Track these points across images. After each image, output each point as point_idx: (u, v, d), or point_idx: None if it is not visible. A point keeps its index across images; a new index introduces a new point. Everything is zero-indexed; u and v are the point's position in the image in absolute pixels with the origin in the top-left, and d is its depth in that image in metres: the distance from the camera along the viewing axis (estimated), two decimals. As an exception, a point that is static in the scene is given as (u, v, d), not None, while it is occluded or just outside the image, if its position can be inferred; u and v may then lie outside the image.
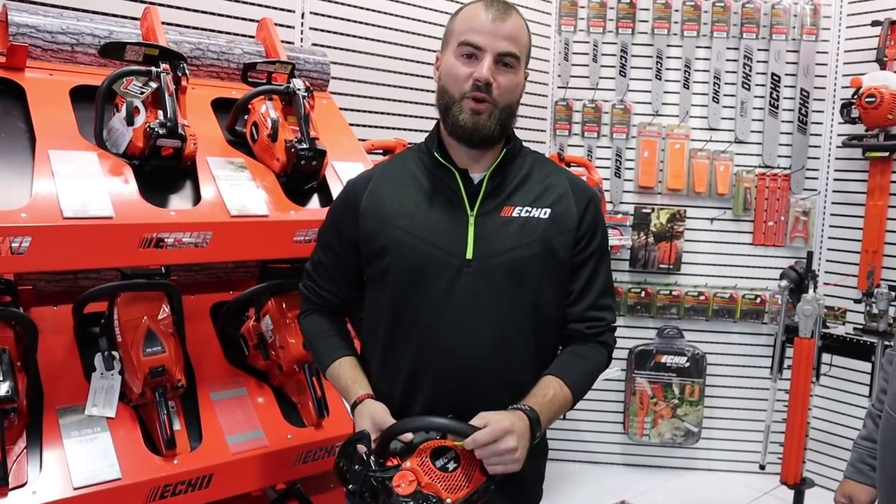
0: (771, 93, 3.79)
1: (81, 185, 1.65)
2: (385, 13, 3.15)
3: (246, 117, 2.09)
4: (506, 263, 1.47)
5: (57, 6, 2.11)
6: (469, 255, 1.47)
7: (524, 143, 1.63)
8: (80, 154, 1.73)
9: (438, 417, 1.34)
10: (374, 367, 1.56)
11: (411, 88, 3.26)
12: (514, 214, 1.50)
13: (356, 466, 1.34)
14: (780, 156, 3.83)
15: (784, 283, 3.30)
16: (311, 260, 1.68)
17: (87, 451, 1.65)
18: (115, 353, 1.78)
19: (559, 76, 3.91)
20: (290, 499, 2.03)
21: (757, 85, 3.81)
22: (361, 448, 1.36)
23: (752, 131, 3.84)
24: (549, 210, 1.51)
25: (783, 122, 3.81)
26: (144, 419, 1.79)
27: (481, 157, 1.53)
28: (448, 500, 1.25)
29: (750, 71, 3.79)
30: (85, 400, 1.74)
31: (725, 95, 3.83)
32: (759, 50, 3.79)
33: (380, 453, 1.34)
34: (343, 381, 1.54)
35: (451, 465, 1.29)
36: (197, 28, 2.38)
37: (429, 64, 3.33)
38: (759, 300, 3.84)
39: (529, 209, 1.51)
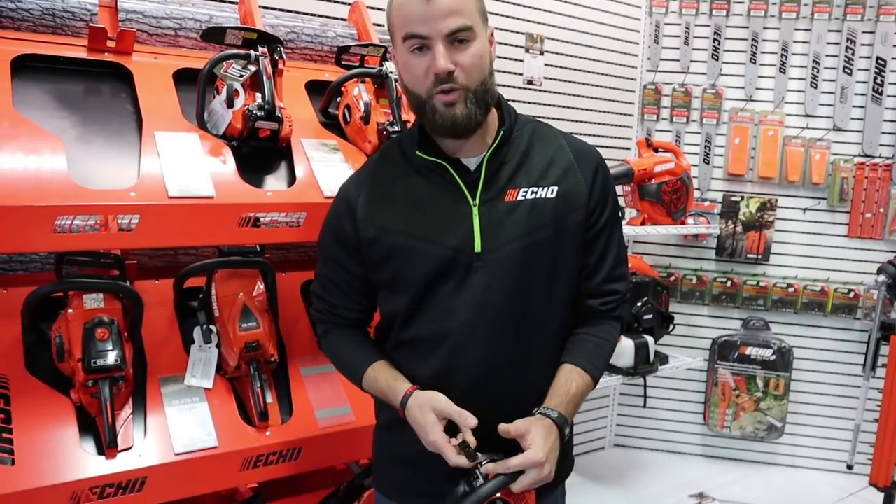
0: (875, 78, 3.60)
1: (184, 165, 1.71)
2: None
3: (339, 99, 2.12)
4: (517, 253, 1.38)
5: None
6: (477, 248, 1.38)
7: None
8: (183, 135, 1.80)
9: (470, 495, 1.31)
10: None
11: (498, 71, 3.25)
12: (520, 197, 1.40)
13: None
14: (882, 144, 3.65)
15: (881, 278, 3.15)
16: (316, 279, 1.59)
17: (186, 419, 1.72)
18: (212, 327, 1.85)
19: (648, 59, 3.82)
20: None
21: (860, 69, 3.63)
22: None
23: (853, 118, 3.66)
24: (556, 188, 1.41)
25: (887, 108, 3.62)
26: (238, 391, 1.86)
27: (471, 140, 1.41)
28: None
29: (852, 55, 3.61)
30: (184, 370, 1.82)
31: (824, 80, 3.66)
32: (863, 32, 3.60)
33: None
34: (381, 384, 1.46)
35: None
36: (291, 11, 2.42)
37: (518, 47, 3.32)
38: (852, 295, 3.68)
39: (535, 189, 1.40)
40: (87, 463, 1.57)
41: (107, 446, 1.59)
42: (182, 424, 1.71)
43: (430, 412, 1.35)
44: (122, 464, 1.59)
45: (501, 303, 1.39)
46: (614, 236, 1.50)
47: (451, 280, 1.39)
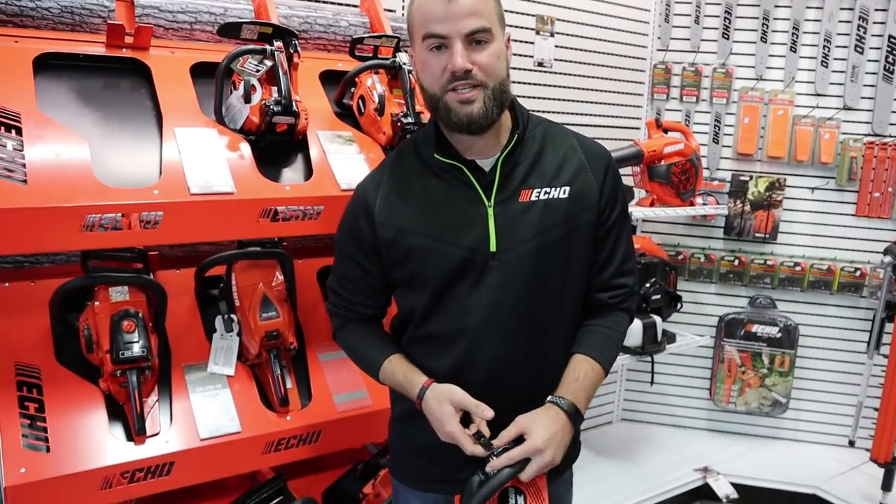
0: (887, 56, 3.58)
1: (204, 161, 1.76)
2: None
3: (353, 90, 2.16)
4: (531, 252, 1.43)
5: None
6: (493, 247, 1.43)
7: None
8: (202, 131, 1.84)
9: (482, 487, 1.36)
10: None
11: (514, 54, 3.26)
12: (534, 198, 1.44)
13: None
14: (892, 124, 3.64)
15: (888, 259, 3.19)
16: (333, 275, 1.64)
17: (210, 405, 1.79)
18: (233, 317, 1.92)
19: (659, 38, 3.80)
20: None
21: (871, 48, 3.61)
22: None
23: (863, 97, 3.65)
24: (567, 188, 1.46)
25: (898, 87, 3.62)
26: (259, 377, 1.93)
27: (486, 140, 1.46)
28: None
29: (864, 33, 3.59)
30: (206, 358, 1.88)
31: (836, 59, 3.64)
32: (876, 10, 3.58)
33: None
34: (398, 376, 1.51)
35: (521, 500, 1.39)
36: (305, 0, 2.44)
37: (528, 29, 3.32)
38: (858, 273, 3.71)
39: (548, 190, 1.45)
40: (117, 449, 1.65)
41: (135, 433, 1.66)
42: (206, 411, 1.78)
43: (448, 404, 1.41)
44: (150, 449, 1.67)
45: (516, 300, 1.45)
46: (623, 233, 1.55)
47: (468, 279, 1.45)
